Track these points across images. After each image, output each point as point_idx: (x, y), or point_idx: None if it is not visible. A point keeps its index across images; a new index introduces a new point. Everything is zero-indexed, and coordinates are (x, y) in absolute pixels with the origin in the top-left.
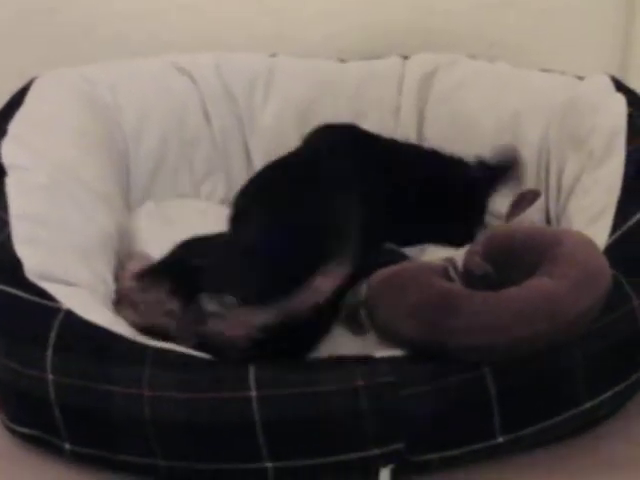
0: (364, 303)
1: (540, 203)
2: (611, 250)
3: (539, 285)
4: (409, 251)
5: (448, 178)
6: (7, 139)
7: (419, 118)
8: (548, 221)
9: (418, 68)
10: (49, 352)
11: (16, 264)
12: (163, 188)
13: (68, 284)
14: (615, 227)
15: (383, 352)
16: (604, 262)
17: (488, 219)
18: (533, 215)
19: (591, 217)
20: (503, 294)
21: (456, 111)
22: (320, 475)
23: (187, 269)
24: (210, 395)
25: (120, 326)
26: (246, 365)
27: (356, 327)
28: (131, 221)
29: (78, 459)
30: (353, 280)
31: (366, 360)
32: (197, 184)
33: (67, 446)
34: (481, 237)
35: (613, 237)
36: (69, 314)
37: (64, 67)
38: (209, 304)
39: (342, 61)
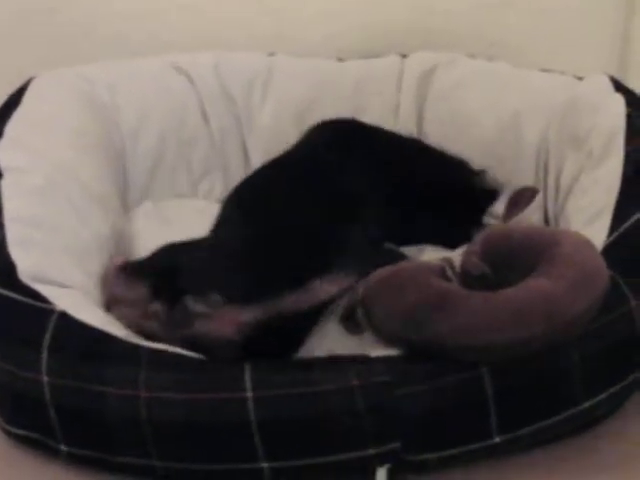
0: (361, 302)
1: (538, 202)
2: (609, 250)
3: (536, 285)
4: (407, 251)
5: (448, 176)
6: (4, 140)
7: (418, 116)
8: (546, 221)
9: (417, 66)
10: (44, 354)
11: (10, 266)
12: (161, 188)
13: (62, 286)
14: (613, 228)
15: (379, 351)
16: (602, 263)
17: (486, 219)
18: (531, 215)
19: (589, 217)
20: (500, 294)
21: (455, 110)
22: (316, 475)
23: (170, 270)
24: (206, 396)
25: (115, 327)
26: (241, 365)
27: (353, 326)
28: (129, 221)
29: (74, 461)
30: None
31: (362, 360)
32: (195, 184)
33: (63, 448)
34: (478, 237)
35: (611, 238)
36: (63, 316)
37: (63, 67)
38: (195, 305)
39: (340, 60)
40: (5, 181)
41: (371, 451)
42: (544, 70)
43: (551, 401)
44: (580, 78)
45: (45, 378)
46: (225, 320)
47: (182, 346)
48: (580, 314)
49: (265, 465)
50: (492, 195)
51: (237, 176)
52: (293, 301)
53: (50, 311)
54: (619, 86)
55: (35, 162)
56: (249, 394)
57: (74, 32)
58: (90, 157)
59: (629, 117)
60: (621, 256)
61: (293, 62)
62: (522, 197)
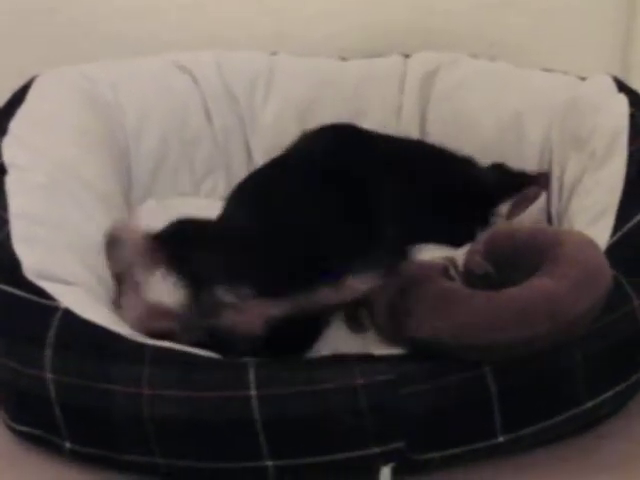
0: (364, 301)
1: (541, 202)
2: (612, 250)
3: (539, 285)
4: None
5: (454, 175)
6: (8, 138)
7: (421, 117)
8: (549, 220)
9: (420, 67)
10: (48, 351)
11: (15, 263)
12: (164, 186)
13: (67, 283)
14: (616, 227)
15: (383, 350)
16: (605, 262)
17: (492, 218)
18: (534, 214)
19: (592, 217)
20: (503, 294)
21: (458, 110)
22: (320, 473)
23: (193, 253)
24: (210, 394)
25: (119, 325)
26: (245, 363)
27: (356, 325)
28: (132, 220)
29: (78, 458)
30: None
31: (366, 358)
32: (198, 182)
33: (67, 445)
34: (482, 236)
35: (614, 237)
36: (67, 313)
37: (65, 66)
38: (225, 295)
39: (343, 60)
40: (9, 178)
41: (375, 450)
42: (547, 70)
43: (554, 401)
44: (583, 78)
45: (49, 375)
46: (254, 313)
47: (200, 335)
48: (583, 314)
49: (269, 463)
50: (500, 193)
51: (240, 175)
52: (324, 296)
53: (54, 308)
54: (622, 86)
55: (39, 159)
56: (253, 392)
57: (74, 31)
58: (93, 155)
59: (632, 117)
60: (624, 256)
61: (295, 61)
62: (526, 197)
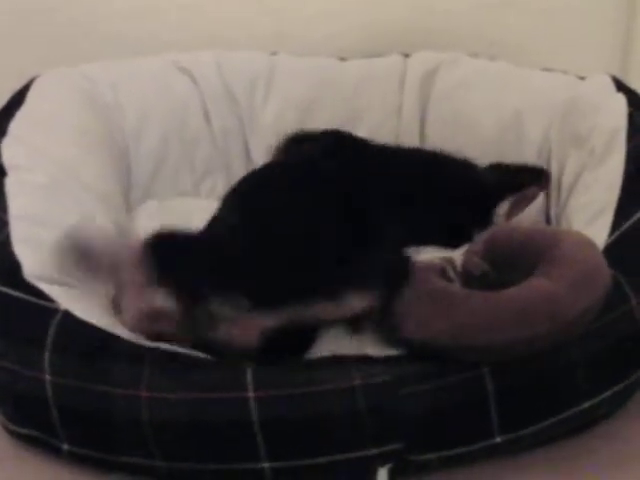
0: None
1: (540, 201)
2: (610, 249)
3: (538, 285)
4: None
5: (450, 181)
6: (7, 139)
7: (421, 117)
8: (548, 220)
9: (420, 66)
10: (47, 353)
11: (15, 265)
12: (164, 187)
13: (66, 285)
14: (615, 226)
15: (381, 351)
16: (603, 262)
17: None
18: (533, 214)
19: (591, 216)
20: (502, 294)
21: (457, 110)
22: (318, 475)
23: (183, 265)
24: (207, 396)
25: (118, 327)
26: (243, 365)
27: (354, 326)
28: (131, 220)
29: (76, 460)
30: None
31: (364, 359)
32: (197, 183)
33: (65, 447)
34: (480, 237)
35: (613, 236)
36: (66, 315)
37: (64, 66)
38: (221, 308)
39: (343, 59)
40: (9, 179)
41: (373, 451)
42: (546, 69)
43: (553, 401)
44: (582, 78)
45: (48, 377)
46: (250, 325)
47: (195, 345)
48: (582, 314)
49: (266, 465)
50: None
51: (239, 175)
52: (321, 311)
53: (54, 310)
54: (621, 86)
55: (39, 160)
56: (251, 394)
57: (74, 31)
58: (93, 156)
59: (631, 116)
60: (623, 255)
61: (295, 61)
62: (524, 196)
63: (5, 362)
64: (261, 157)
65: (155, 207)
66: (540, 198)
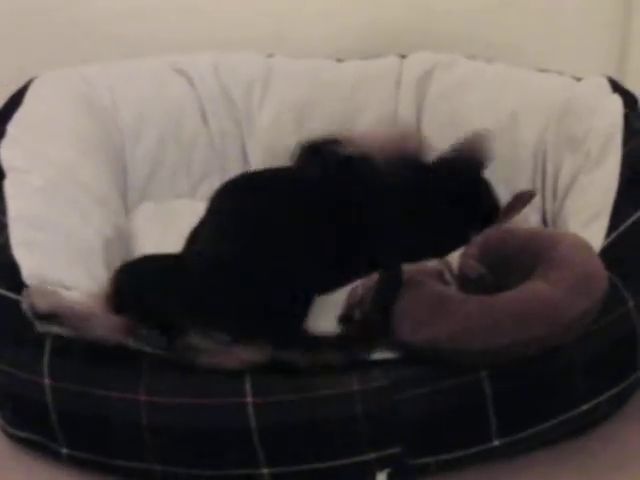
0: (359, 304)
1: (536, 204)
2: (607, 252)
3: (535, 289)
4: None
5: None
6: (5, 141)
7: (417, 117)
8: (544, 222)
9: (416, 67)
10: (46, 357)
11: (14, 268)
12: (160, 189)
13: (65, 287)
14: (611, 228)
15: (378, 355)
16: (600, 265)
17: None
18: (529, 216)
19: (587, 218)
20: (498, 298)
21: (454, 111)
22: None
23: (160, 297)
24: (206, 401)
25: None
26: (242, 371)
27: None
28: (129, 222)
29: (75, 463)
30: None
31: (361, 364)
32: (194, 185)
33: (64, 450)
34: (476, 239)
35: (609, 239)
36: None
37: (63, 67)
38: (201, 342)
39: (339, 61)
40: (7, 181)
41: (371, 456)
42: (542, 70)
43: (551, 404)
44: (578, 79)
45: (47, 381)
46: (231, 358)
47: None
48: (579, 317)
49: (265, 471)
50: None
51: None
52: (301, 356)
53: None
54: (617, 87)
55: (37, 162)
56: (249, 400)
57: (74, 32)
58: (90, 158)
59: (626, 118)
60: (619, 257)
61: (292, 63)
62: (520, 200)
63: (4, 366)
64: (258, 159)
65: (152, 209)
66: (536, 201)
